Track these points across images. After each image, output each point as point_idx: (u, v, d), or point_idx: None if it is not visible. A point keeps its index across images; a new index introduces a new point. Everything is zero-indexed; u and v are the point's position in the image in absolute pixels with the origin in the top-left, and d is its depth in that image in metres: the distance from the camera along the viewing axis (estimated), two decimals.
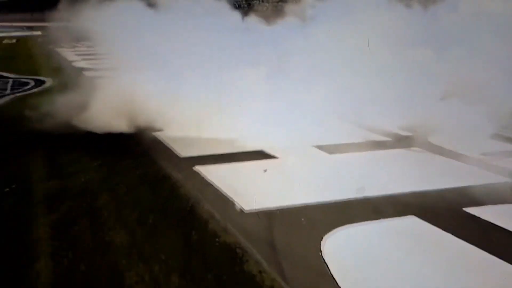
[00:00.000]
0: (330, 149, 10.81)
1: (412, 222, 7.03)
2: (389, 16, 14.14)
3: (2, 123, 12.51)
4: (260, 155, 10.20)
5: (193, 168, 9.36)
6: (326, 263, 5.65)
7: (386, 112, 11.96)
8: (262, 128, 10.52)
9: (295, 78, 12.34)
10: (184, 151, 10.46)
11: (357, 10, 14.05)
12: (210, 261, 5.72)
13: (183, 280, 5.25)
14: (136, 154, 10.15)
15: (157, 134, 11.62)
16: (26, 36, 58.87)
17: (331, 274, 5.39)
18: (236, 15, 17.66)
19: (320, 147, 10.83)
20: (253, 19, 19.10)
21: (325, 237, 6.40)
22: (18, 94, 16.70)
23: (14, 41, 52.55)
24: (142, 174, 8.88)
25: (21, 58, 29.12)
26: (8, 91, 17.06)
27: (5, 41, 52.00)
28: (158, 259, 5.70)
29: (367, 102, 12.05)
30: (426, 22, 15.96)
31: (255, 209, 7.21)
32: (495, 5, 15.90)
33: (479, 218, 7.09)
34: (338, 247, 6.15)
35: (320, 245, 6.16)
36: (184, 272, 5.40)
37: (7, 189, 7.83)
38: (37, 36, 54.25)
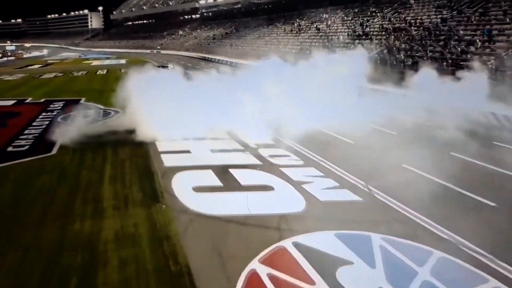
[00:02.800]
0: None
1: None
2: None
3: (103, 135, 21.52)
4: None
5: None
6: None
7: None
8: None
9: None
10: None
11: None
12: None
13: None
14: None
15: None
16: (115, 65, 69.59)
17: None
18: None
19: None
20: None
21: None
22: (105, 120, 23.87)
23: (105, 71, 63.03)
24: None
25: (108, 91, 36.32)
26: (100, 118, 24.47)
27: (98, 72, 62.51)
28: None
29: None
30: None
31: None
32: None
33: None
34: None
35: None
36: None
37: None
38: (122, 65, 64.04)
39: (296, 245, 10.76)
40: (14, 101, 36.85)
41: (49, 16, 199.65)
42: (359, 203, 13.38)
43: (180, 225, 12.30)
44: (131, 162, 18.31)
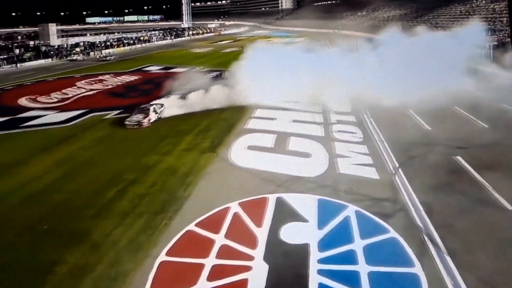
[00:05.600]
0: None
1: None
2: None
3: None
4: None
5: None
6: None
7: None
8: None
9: None
10: None
11: None
12: None
13: None
14: None
15: None
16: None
17: None
18: None
19: None
20: None
21: None
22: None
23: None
24: None
25: None
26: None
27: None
28: None
29: None
30: None
31: None
32: None
33: None
34: None
35: None
36: None
37: None
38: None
39: (278, 199, 12.10)
40: (186, 69, 44.72)
41: None
42: (373, 180, 13.40)
43: (211, 168, 14.99)
44: (224, 121, 21.67)
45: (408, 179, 13.23)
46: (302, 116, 22.04)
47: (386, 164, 14.77)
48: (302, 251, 9.53)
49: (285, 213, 11.33)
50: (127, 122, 21.05)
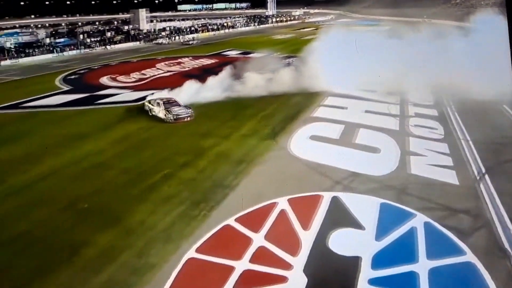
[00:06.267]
0: None
1: None
2: None
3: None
4: None
5: None
6: None
7: None
8: None
9: None
10: None
11: None
12: None
13: None
14: None
15: None
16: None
17: None
18: None
19: None
20: None
21: None
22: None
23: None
24: None
25: None
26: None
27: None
28: None
29: None
30: None
31: None
32: None
33: None
34: None
35: None
36: None
37: None
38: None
39: (333, 199, 10.58)
40: (264, 54, 43.83)
41: None
42: (450, 186, 11.19)
43: (267, 156, 13.86)
44: (292, 107, 20.38)
45: (496, 188, 10.84)
46: (376, 106, 19.84)
47: (469, 167, 12.38)
48: (351, 265, 7.99)
49: (338, 216, 9.79)
50: (172, 116, 18.45)
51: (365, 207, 10.15)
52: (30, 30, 56.92)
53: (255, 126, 17.57)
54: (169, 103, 19.30)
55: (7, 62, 39.54)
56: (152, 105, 19.54)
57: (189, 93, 22.31)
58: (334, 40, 27.44)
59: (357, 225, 9.38)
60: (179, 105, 19.34)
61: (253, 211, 10.13)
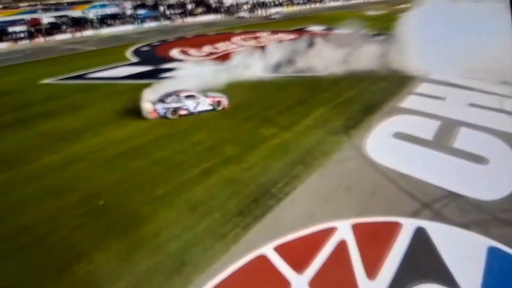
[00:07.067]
0: None
1: None
2: None
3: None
4: None
5: None
6: None
7: None
8: None
9: None
10: None
11: None
12: None
13: None
14: None
15: None
16: None
17: None
18: None
19: None
20: None
21: None
22: None
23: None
24: None
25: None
26: None
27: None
28: None
29: None
30: None
31: None
32: None
33: None
34: None
35: None
36: None
37: None
38: None
39: (417, 230, 7.48)
40: (351, 30, 39.80)
41: None
42: None
43: (333, 158, 10.95)
44: (375, 93, 16.98)
45: None
46: (484, 98, 15.52)
47: None
48: None
49: (423, 261, 6.72)
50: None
51: (464, 250, 6.91)
52: (117, 1, 58.53)
53: (325, 115, 14.58)
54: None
55: (89, 32, 40.54)
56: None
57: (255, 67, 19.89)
58: (435, 16, 22.79)
59: (449, 280, 6.25)
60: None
61: (301, 238, 7.46)
